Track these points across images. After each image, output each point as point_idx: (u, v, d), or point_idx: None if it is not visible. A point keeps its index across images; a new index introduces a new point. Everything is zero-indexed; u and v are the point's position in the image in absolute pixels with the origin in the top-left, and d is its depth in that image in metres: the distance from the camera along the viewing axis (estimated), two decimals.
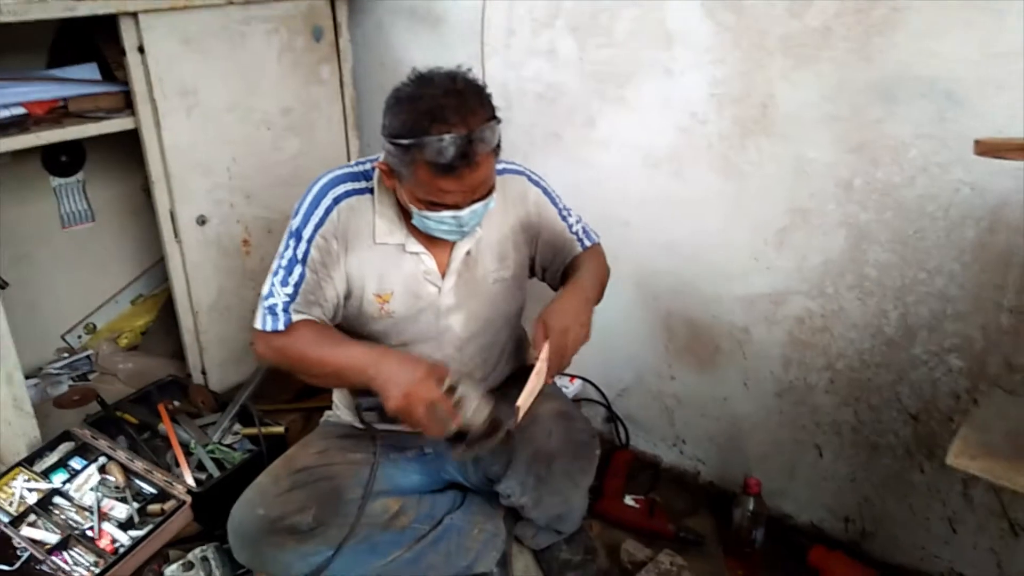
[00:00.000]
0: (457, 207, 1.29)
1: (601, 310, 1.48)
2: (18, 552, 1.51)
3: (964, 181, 1.31)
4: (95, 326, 2.37)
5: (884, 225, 1.42)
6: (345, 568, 1.46)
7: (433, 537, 1.52)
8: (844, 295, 1.50)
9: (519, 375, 1.46)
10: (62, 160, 2.15)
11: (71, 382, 2.19)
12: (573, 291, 1.43)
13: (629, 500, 1.76)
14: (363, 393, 1.40)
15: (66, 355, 2.25)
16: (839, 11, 1.36)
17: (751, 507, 1.58)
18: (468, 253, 1.45)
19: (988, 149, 1.07)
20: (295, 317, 1.37)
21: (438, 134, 1.20)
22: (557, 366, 1.34)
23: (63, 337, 2.31)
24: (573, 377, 2.00)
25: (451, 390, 1.28)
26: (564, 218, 1.55)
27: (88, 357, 2.26)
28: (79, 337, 2.34)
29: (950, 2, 1.25)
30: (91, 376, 2.24)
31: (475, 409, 1.29)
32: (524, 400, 1.31)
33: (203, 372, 2.09)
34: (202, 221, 1.99)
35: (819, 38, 1.40)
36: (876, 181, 1.40)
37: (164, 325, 2.37)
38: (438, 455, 1.58)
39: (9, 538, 1.54)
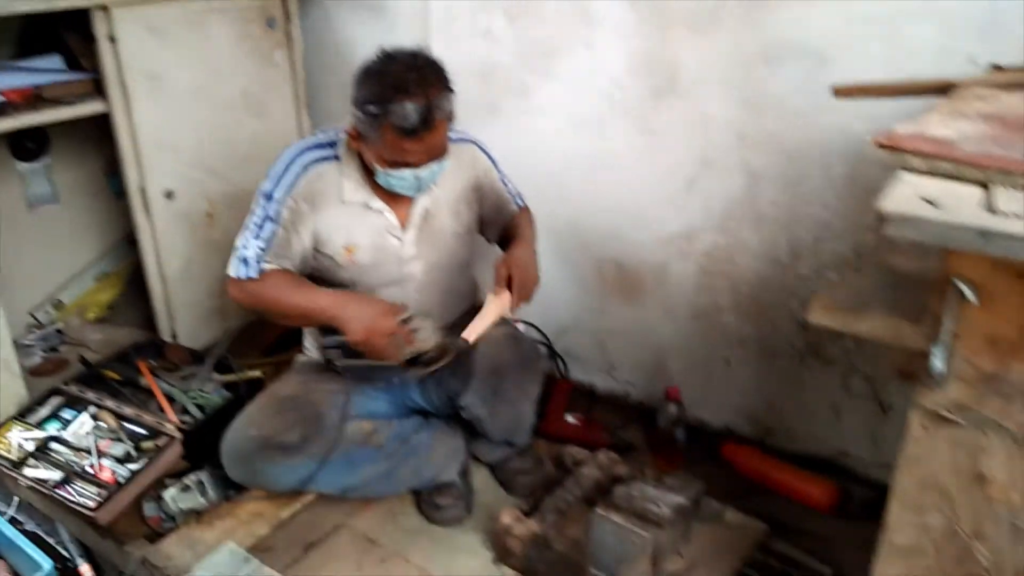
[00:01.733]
0: (417, 166, 1.53)
1: (542, 259, 1.75)
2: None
3: (834, 125, 1.60)
4: (62, 302, 2.48)
5: (773, 168, 1.71)
6: (328, 481, 1.68)
7: (403, 454, 1.74)
8: (744, 229, 1.79)
9: (472, 313, 1.71)
10: (28, 146, 2.27)
11: (43, 354, 2.31)
12: (526, 245, 1.74)
13: (570, 418, 2.02)
14: (328, 334, 1.67)
15: (36, 329, 2.37)
16: None
17: (672, 412, 1.86)
18: (426, 210, 1.69)
19: (843, 92, 1.36)
20: (266, 267, 1.59)
21: (402, 102, 1.44)
22: (521, 297, 1.63)
23: (31, 313, 2.42)
24: (518, 321, 2.24)
25: (406, 322, 1.54)
26: (504, 183, 1.84)
27: (58, 330, 2.37)
28: (47, 313, 2.45)
29: None
30: (62, 348, 2.36)
31: (428, 336, 1.55)
32: (481, 324, 1.61)
33: (174, 337, 2.25)
34: (170, 195, 2.15)
35: (713, 12, 1.68)
36: (764, 131, 1.69)
37: (130, 299, 2.51)
38: (403, 385, 1.81)
39: (14, 479, 1.69)
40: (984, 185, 0.83)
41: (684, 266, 1.91)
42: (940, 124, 0.95)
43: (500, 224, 1.84)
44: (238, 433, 1.64)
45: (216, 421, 1.77)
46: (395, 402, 1.82)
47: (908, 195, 0.83)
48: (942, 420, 0.94)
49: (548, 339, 2.25)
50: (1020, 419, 0.89)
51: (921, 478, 0.98)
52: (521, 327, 2.23)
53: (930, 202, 0.81)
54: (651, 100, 1.82)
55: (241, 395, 1.89)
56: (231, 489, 1.72)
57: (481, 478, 1.90)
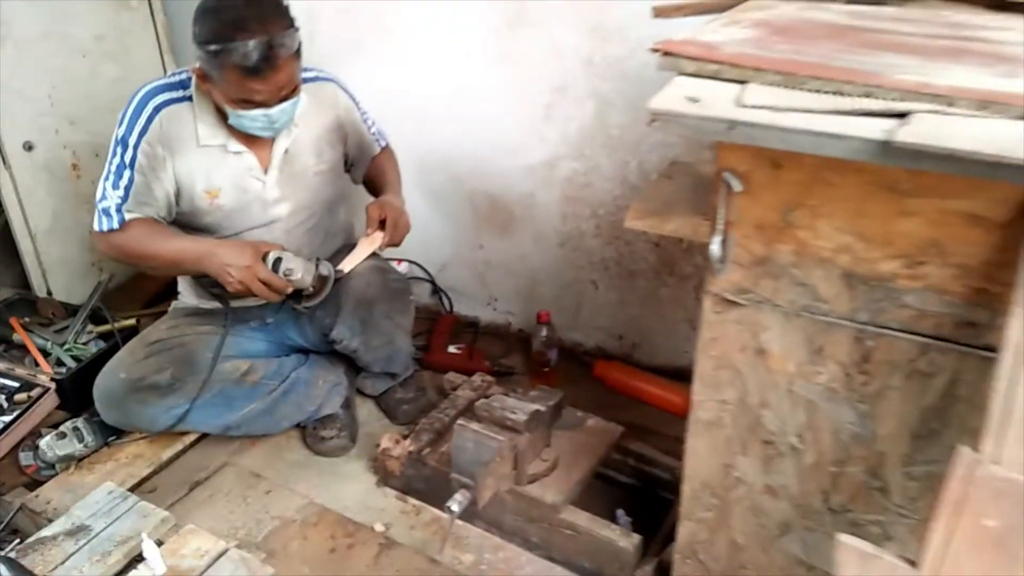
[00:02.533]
0: (267, 105, 1.53)
1: (416, 198, 1.82)
2: None
3: None
4: None
5: (619, 92, 1.79)
6: (204, 419, 1.71)
7: (282, 390, 1.79)
8: (598, 154, 1.87)
9: (344, 252, 1.74)
10: None
11: None
12: (396, 192, 1.80)
13: (452, 349, 2.10)
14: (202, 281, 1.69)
15: None
16: None
17: (544, 334, 1.96)
18: (287, 151, 1.70)
19: (661, 12, 1.43)
20: (128, 216, 1.58)
21: (242, 40, 1.42)
22: (394, 238, 1.69)
23: None
24: (401, 260, 2.29)
25: (277, 262, 1.56)
26: (365, 121, 1.85)
27: None
28: None
29: None
30: None
31: (302, 273, 1.58)
32: (355, 258, 1.67)
33: (49, 293, 2.21)
34: (29, 147, 2.08)
35: None
36: (609, 56, 1.76)
37: (1, 257, 2.43)
38: (279, 323, 1.84)
39: None
40: (741, 82, 0.92)
41: (549, 194, 1.99)
42: (713, 31, 1.04)
43: (364, 164, 1.87)
44: (108, 377, 1.65)
45: (92, 370, 1.77)
46: (273, 341, 1.86)
47: (675, 95, 0.92)
48: (728, 303, 1.05)
49: (431, 276, 2.31)
50: (788, 296, 1.00)
51: (716, 358, 1.09)
52: (405, 266, 2.29)
53: (693, 99, 0.90)
54: (505, 30, 1.86)
55: (117, 344, 1.89)
56: (111, 435, 1.74)
57: (367, 411, 1.97)
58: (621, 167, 1.85)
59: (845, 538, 0.80)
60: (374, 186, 1.86)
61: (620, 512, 1.57)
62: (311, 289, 1.61)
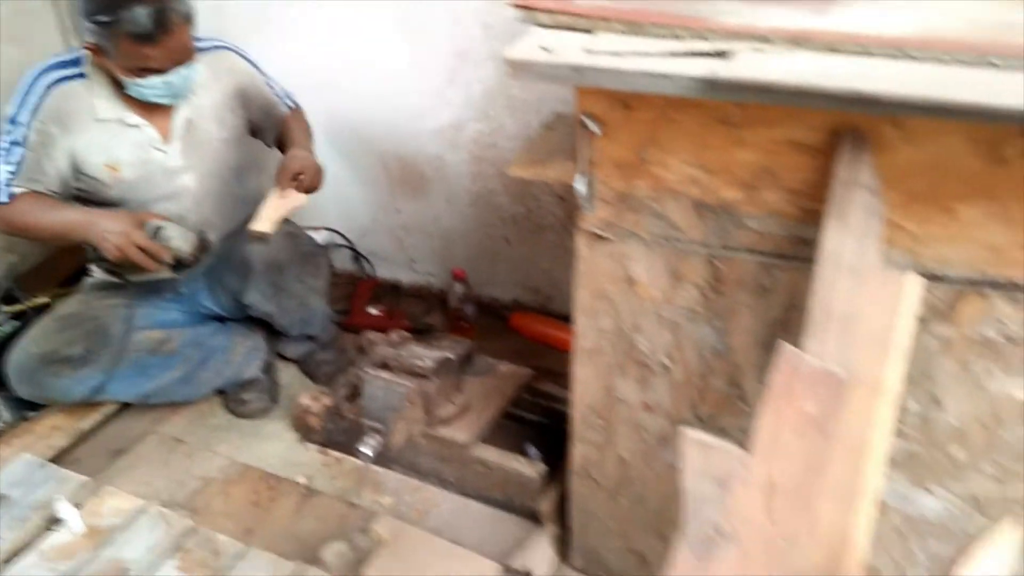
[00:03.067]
0: (163, 71, 1.55)
1: (332, 167, 1.85)
2: None
3: None
4: None
5: None
6: (121, 390, 1.75)
7: (200, 358, 1.83)
8: (501, 115, 1.94)
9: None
10: None
11: None
12: (304, 144, 1.83)
13: (373, 311, 2.16)
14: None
15: None
16: None
17: (459, 290, 2.04)
18: (188, 120, 1.72)
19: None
20: (16, 191, 1.61)
21: (132, 7, 1.44)
22: (311, 184, 1.71)
23: None
24: (320, 228, 2.33)
25: (158, 230, 1.59)
26: (269, 85, 1.88)
27: None
28: None
29: None
30: None
31: (181, 241, 1.61)
32: (267, 214, 1.67)
33: None
34: None
35: None
36: (506, 18, 1.81)
37: None
38: (193, 292, 1.87)
39: None
40: (591, 32, 1.00)
41: (457, 156, 2.05)
42: None
43: (273, 127, 1.89)
44: (20, 352, 1.66)
45: (5, 349, 1.77)
46: (188, 311, 1.89)
47: (530, 45, 0.99)
48: (598, 238, 1.14)
49: (351, 242, 2.35)
50: (649, 228, 1.10)
51: (592, 290, 1.19)
52: (324, 234, 2.33)
53: (546, 49, 0.98)
54: None
55: (29, 322, 1.89)
56: (27, 410, 1.75)
57: (290, 374, 2.02)
58: (524, 127, 1.92)
59: (687, 431, 0.91)
60: (285, 146, 1.89)
61: (530, 447, 1.66)
62: (191, 258, 1.64)
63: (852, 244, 0.89)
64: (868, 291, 0.88)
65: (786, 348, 0.88)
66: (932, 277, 0.96)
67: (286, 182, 1.68)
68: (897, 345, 0.88)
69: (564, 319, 2.11)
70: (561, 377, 1.85)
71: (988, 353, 0.98)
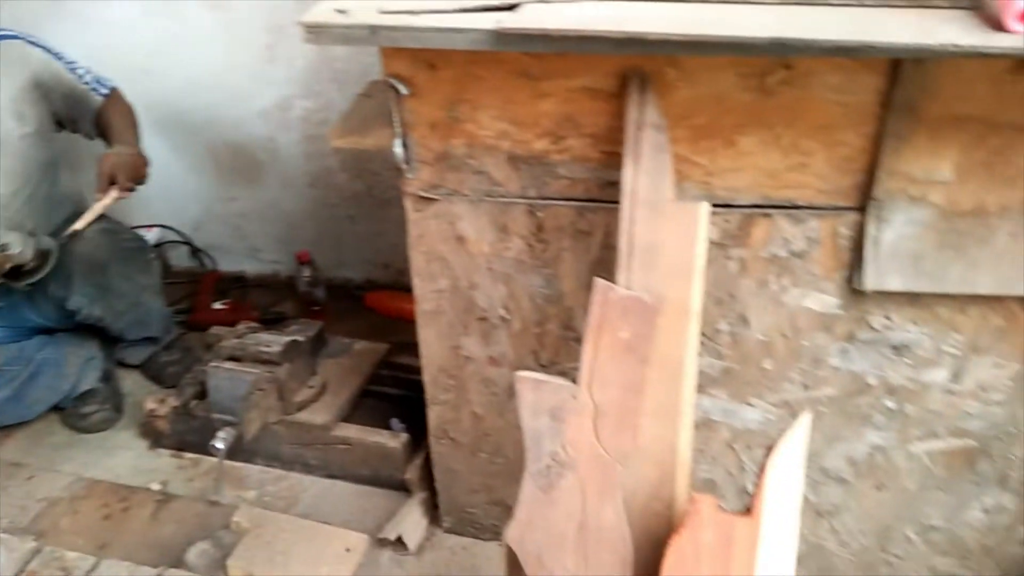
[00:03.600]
0: None
1: (157, 156, 1.74)
2: None
3: None
4: None
5: None
6: None
7: (28, 374, 1.70)
8: (328, 89, 1.91)
9: (75, 220, 1.66)
10: None
11: None
12: (123, 137, 1.71)
13: (217, 306, 2.08)
14: None
15: None
16: None
17: (306, 274, 2.00)
18: None
19: None
20: None
21: None
22: (134, 181, 1.64)
23: None
24: (151, 226, 2.21)
25: None
26: (73, 71, 1.73)
27: None
28: None
29: None
30: None
31: (21, 247, 1.50)
32: (85, 218, 1.61)
33: None
34: None
35: None
36: None
37: None
38: (13, 305, 1.72)
39: None
40: None
41: (288, 136, 2.00)
42: None
43: (87, 117, 1.75)
44: None
45: None
46: (10, 326, 1.74)
47: (326, 8, 0.99)
48: (424, 200, 1.16)
49: (186, 236, 2.25)
50: (471, 185, 1.13)
51: (425, 252, 1.21)
52: (155, 232, 2.21)
53: (341, 11, 0.97)
54: None
55: None
56: None
57: (133, 381, 1.91)
58: (352, 98, 1.89)
59: (520, 372, 0.95)
60: (106, 139, 1.77)
61: (394, 421, 1.67)
62: (32, 264, 1.54)
63: (647, 181, 0.96)
64: (666, 223, 0.95)
65: (599, 282, 0.94)
66: (724, 205, 1.05)
67: (104, 187, 1.61)
68: (697, 270, 0.96)
69: None
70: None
71: (780, 270, 1.09)
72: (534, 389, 0.95)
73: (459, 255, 1.19)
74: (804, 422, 0.90)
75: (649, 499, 0.96)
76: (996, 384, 1.13)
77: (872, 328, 1.11)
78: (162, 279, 1.85)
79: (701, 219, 0.95)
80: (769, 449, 0.87)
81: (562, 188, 1.09)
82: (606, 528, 0.92)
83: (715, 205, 1.02)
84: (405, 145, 1.11)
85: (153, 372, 1.89)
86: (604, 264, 1.14)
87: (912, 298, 1.07)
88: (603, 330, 0.94)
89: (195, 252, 2.25)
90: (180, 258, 2.26)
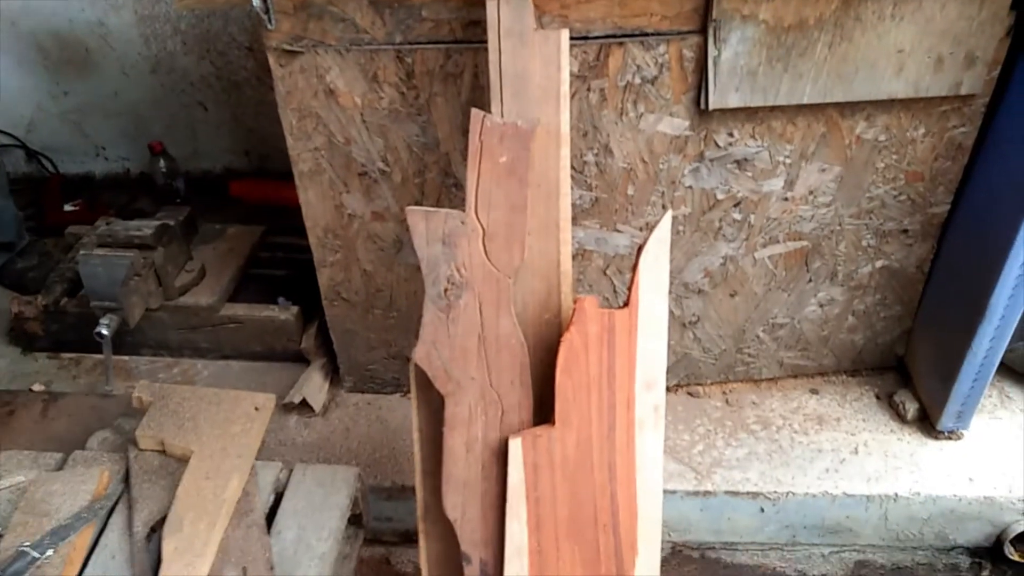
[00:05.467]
0: None
1: None
2: None
3: None
4: None
5: None
6: None
7: None
8: None
9: None
10: None
11: None
12: None
13: (68, 207, 1.96)
14: None
15: None
16: None
17: (162, 165, 1.91)
18: None
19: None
20: None
21: None
22: None
23: None
24: None
25: None
26: None
27: None
28: None
29: None
30: None
31: None
32: None
33: None
34: None
35: None
36: None
37: None
38: None
39: None
40: None
41: (121, 18, 1.86)
42: None
43: None
44: None
45: None
46: None
47: None
48: (288, 53, 1.15)
49: (19, 139, 2.07)
50: (336, 34, 1.13)
51: (297, 109, 1.21)
52: None
53: None
54: None
55: None
56: None
57: None
58: None
59: (410, 207, 1.00)
60: None
61: (280, 299, 1.68)
62: None
63: (509, 12, 1.00)
64: (530, 51, 1.01)
65: (476, 112, 0.99)
66: (581, 38, 1.12)
67: None
68: (563, 95, 1.03)
69: (283, 176, 2.09)
70: (299, 231, 1.87)
71: (635, 96, 1.18)
72: (425, 219, 1.00)
73: (331, 110, 1.20)
74: (666, 220, 1.02)
75: (540, 310, 1.06)
76: (822, 187, 1.31)
77: (718, 146, 1.24)
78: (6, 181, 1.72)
79: (563, 45, 1.02)
80: (639, 248, 0.99)
81: (428, 31, 1.12)
82: (503, 336, 1.02)
83: (573, 38, 1.09)
84: None
85: (13, 279, 1.78)
86: (476, 106, 1.19)
87: (750, 114, 1.21)
88: (484, 157, 1.00)
89: (31, 155, 2.08)
90: (16, 163, 2.08)
